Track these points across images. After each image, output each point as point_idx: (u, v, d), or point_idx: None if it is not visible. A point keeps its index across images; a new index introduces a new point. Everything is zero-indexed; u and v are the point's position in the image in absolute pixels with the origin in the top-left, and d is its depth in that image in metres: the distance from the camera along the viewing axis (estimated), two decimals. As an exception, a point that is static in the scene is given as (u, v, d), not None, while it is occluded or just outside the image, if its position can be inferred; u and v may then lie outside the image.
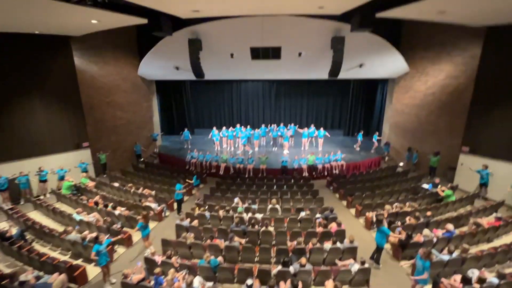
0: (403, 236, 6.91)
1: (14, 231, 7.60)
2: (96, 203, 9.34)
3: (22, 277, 5.48)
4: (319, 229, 7.42)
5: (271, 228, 7.58)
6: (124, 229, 8.12)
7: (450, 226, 7.24)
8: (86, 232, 7.43)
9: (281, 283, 5.50)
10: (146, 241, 7.34)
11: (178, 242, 7.07)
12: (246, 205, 9.09)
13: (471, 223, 7.67)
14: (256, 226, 7.56)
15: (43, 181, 10.81)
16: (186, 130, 16.60)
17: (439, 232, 7.25)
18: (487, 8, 7.50)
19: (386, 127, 15.92)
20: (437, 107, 12.20)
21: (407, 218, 8.03)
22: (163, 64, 14.16)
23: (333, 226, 7.51)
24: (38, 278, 5.75)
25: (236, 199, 9.35)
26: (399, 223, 7.77)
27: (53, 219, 9.16)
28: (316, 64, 13.06)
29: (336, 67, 11.01)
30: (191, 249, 7.00)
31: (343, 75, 11.99)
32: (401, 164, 13.83)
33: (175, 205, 10.07)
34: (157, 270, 5.47)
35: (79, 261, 6.88)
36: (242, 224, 7.68)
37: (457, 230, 7.42)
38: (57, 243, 7.57)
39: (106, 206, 9.16)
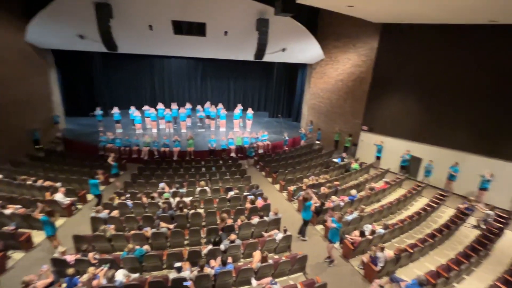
0: (318, 203, 7.97)
1: None
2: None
3: None
4: (248, 206, 7.82)
5: (200, 210, 7.57)
6: (20, 230, 6.73)
7: (353, 192, 8.74)
8: (-39, 240, 5.85)
9: (211, 261, 5.65)
10: (54, 241, 6.32)
11: (95, 236, 6.34)
12: (173, 189, 8.75)
13: (367, 188, 9.43)
14: (185, 210, 7.42)
15: None
16: (98, 109, 14.46)
17: (346, 198, 8.65)
18: (383, 7, 8.85)
19: (305, 109, 17.52)
20: (344, 92, 14.10)
21: (321, 188, 9.25)
22: (62, 30, 11.59)
23: (259, 202, 8.03)
24: None
25: (162, 184, 8.88)
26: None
27: None
28: (242, 45, 13.08)
29: (261, 49, 11.31)
30: (112, 242, 6.40)
31: (267, 58, 12.45)
32: (317, 142, 15.63)
33: (89, 197, 8.90)
34: (70, 270, 4.82)
35: (-48, 278, 5.43)
36: (169, 210, 7.40)
37: (358, 194, 9.00)
38: None
39: (-12, 205, 7.33)
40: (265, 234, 6.92)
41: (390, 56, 11.63)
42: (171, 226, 6.84)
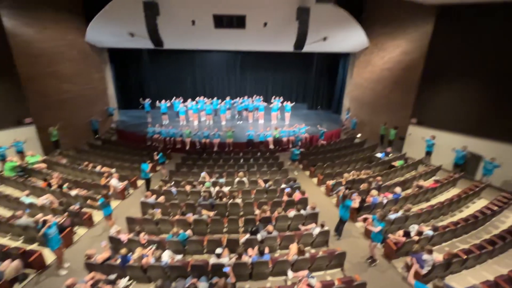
0: (358, 200, 7.63)
1: (-52, 219, 6.73)
2: (50, 184, 8.59)
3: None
4: (285, 198, 7.83)
5: (238, 200, 7.79)
6: (84, 210, 7.68)
7: (397, 189, 8.17)
8: (40, 215, 6.86)
9: (249, 250, 5.81)
10: (109, 221, 7.09)
11: (144, 219, 6.94)
12: (213, 179, 9.12)
13: (415, 186, 8.74)
14: (224, 199, 7.70)
15: (-21, 163, 9.54)
16: (146, 101, 15.58)
17: (390, 195, 8.13)
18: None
19: (346, 100, 16.70)
20: (391, 82, 13.05)
21: (362, 185, 8.82)
22: (115, 29, 12.67)
23: (297, 195, 7.97)
24: (-14, 266, 5.29)
25: (203, 174, 9.32)
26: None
27: (-3, 204, 8.27)
28: (282, 36, 12.84)
29: (301, 39, 10.97)
30: (158, 225, 6.95)
31: (307, 48, 12.04)
32: (359, 135, 14.87)
33: (139, 183, 9.75)
34: (123, 251, 5.37)
35: (34, 246, 6.43)
36: (209, 198, 7.75)
37: (403, 192, 8.40)
38: (5, 229, 6.92)
39: (60, 187, 8.49)
40: (302, 228, 6.87)
41: (447, 41, 10.37)
42: (211, 214, 7.17)
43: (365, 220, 6.53)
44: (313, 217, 7.15)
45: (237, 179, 9.10)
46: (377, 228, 5.79)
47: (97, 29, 12.62)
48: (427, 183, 9.12)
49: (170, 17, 10.96)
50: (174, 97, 15.78)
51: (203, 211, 7.00)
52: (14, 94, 10.52)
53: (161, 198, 7.93)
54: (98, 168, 9.96)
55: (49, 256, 6.05)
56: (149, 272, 5.37)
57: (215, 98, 16.03)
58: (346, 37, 13.52)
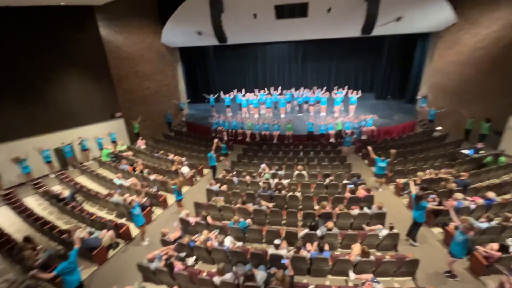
0: (437, 202, 6.66)
1: (66, 193, 8.54)
2: (134, 169, 10.05)
3: (77, 232, 6.25)
4: (347, 195, 7.38)
5: (297, 193, 7.69)
6: (160, 192, 8.74)
7: (491, 194, 6.81)
8: (127, 195, 8.12)
9: (308, 245, 5.70)
10: (180, 206, 7.89)
11: (209, 205, 7.50)
12: (272, 171, 9.22)
13: (516, 191, 7.14)
14: (283, 191, 7.71)
15: (84, 150, 11.77)
16: (211, 96, 16.67)
17: (479, 200, 6.85)
18: None
19: (424, 88, 14.59)
20: (487, 64, 10.76)
21: (442, 184, 7.63)
22: (185, 30, 13.81)
23: (361, 192, 7.42)
24: (90, 233, 6.53)
25: (263, 165, 9.49)
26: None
27: (97, 183, 10.10)
28: (347, 20, 11.90)
29: (370, 22, 9.99)
30: (221, 212, 7.41)
31: (377, 31, 10.89)
32: (439, 128, 12.87)
33: (205, 171, 10.56)
34: (186, 239, 5.92)
35: (123, 220, 7.65)
36: (269, 190, 7.87)
37: (499, 198, 6.96)
38: (103, 204, 8.43)
39: (141, 172, 9.84)
40: (366, 228, 6.38)
41: None
42: (270, 205, 7.27)
43: (456, 228, 5.51)
44: (379, 217, 6.56)
45: (296, 172, 8.99)
46: (458, 239, 4.92)
47: (170, 31, 13.95)
48: (535, 188, 7.34)
49: (233, 13, 11.31)
50: (236, 90, 16.38)
51: (262, 202, 7.16)
52: (108, 92, 12.55)
53: (224, 187, 8.42)
54: (170, 156, 11.17)
55: (134, 230, 7.10)
56: (213, 254, 5.80)
57: (276, 92, 16.02)
58: (426, 14, 11.69)
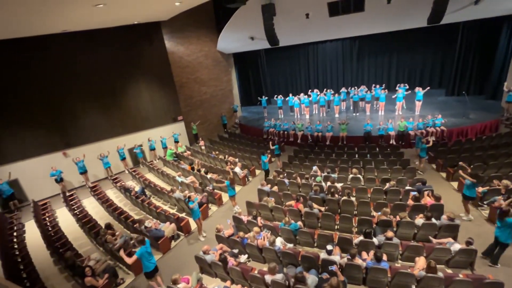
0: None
1: (137, 188, 9.76)
2: (193, 168, 10.91)
3: (146, 223, 7.09)
4: (410, 202, 6.71)
5: (352, 198, 7.30)
6: (215, 190, 9.30)
7: None
8: (186, 191, 8.86)
9: (363, 253, 5.37)
10: (233, 201, 8.28)
11: (261, 205, 7.67)
12: (325, 173, 8.94)
13: None
14: (336, 195, 7.42)
15: (152, 149, 13.28)
16: (263, 97, 16.98)
17: None
18: None
19: (511, 81, 12.28)
20: None
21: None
22: (238, 36, 14.43)
23: (427, 200, 6.66)
24: (158, 224, 7.34)
25: (315, 168, 9.28)
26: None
27: (162, 180, 11.28)
28: (411, 11, 10.80)
29: (439, 10, 8.87)
30: (273, 212, 7.51)
31: (447, 19, 9.60)
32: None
33: (257, 172, 10.83)
34: (241, 234, 6.16)
35: (183, 215, 8.38)
36: (321, 192, 7.66)
37: None
38: (166, 199, 9.37)
39: (199, 171, 10.61)
40: (434, 240, 5.69)
41: None
42: (322, 209, 7.08)
43: None
44: (450, 230, 5.77)
45: (351, 176, 8.54)
46: None
47: (225, 38, 14.75)
48: None
49: (285, 15, 11.36)
50: (288, 93, 16.38)
51: (314, 205, 7.01)
52: (171, 97, 13.92)
53: (275, 188, 8.52)
54: (225, 156, 11.77)
55: (193, 224, 7.72)
56: (264, 253, 5.93)
57: (329, 90, 15.46)
58: (514, -7, 9.85)
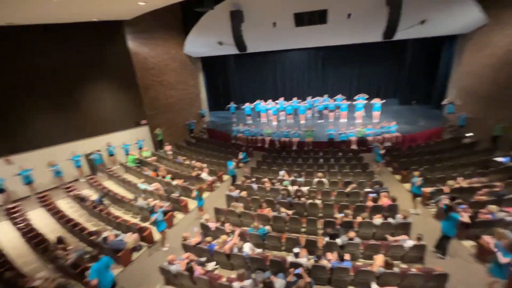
0: (468, 213, 6.26)
1: (94, 197, 9.03)
2: (157, 175, 10.43)
3: (104, 234, 6.57)
4: (369, 203, 7.16)
5: (317, 201, 7.57)
6: (181, 197, 8.98)
7: (530, 205, 6.29)
8: (150, 199, 8.42)
9: (328, 254, 5.57)
10: (200, 211, 8.05)
11: (229, 211, 7.58)
12: (292, 178, 9.16)
13: (560, 203, 6.54)
14: (302, 199, 7.63)
15: (111, 155, 12.42)
16: (232, 103, 16.97)
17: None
18: None
19: (452, 93, 13.90)
20: (523, 66, 10.09)
21: (475, 196, 7.18)
22: (207, 40, 14.30)
23: (384, 201, 7.16)
24: (116, 235, 6.84)
25: (282, 172, 9.47)
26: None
27: (123, 187, 10.59)
28: (368, 25, 11.72)
29: (391, 27, 9.76)
30: (241, 218, 7.46)
31: (399, 35, 10.61)
32: (469, 134, 12.14)
33: (225, 177, 10.71)
34: (208, 239, 6.02)
35: (146, 224, 7.93)
36: (288, 196, 7.82)
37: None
38: (128, 208, 8.80)
39: (164, 177, 10.18)
40: (390, 238, 6.12)
41: None
42: (290, 212, 7.22)
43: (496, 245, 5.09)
44: (404, 228, 6.28)
45: (316, 179, 8.86)
46: (504, 259, 4.50)
47: (192, 41, 14.51)
48: None
49: (253, 23, 11.57)
50: (256, 99, 16.55)
51: (281, 209, 7.12)
52: (135, 100, 13.23)
53: (243, 193, 8.48)
54: (192, 162, 11.46)
55: (156, 234, 7.33)
56: (232, 259, 5.84)
57: (295, 98, 16.00)
58: (452, 16, 11.22)
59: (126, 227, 7.30)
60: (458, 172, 9.02)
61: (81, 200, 8.92)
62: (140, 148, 13.28)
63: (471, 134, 12.10)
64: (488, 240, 5.50)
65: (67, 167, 11.00)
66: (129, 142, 12.94)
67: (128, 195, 9.74)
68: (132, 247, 6.75)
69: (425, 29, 11.86)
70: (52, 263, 6.36)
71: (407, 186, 9.04)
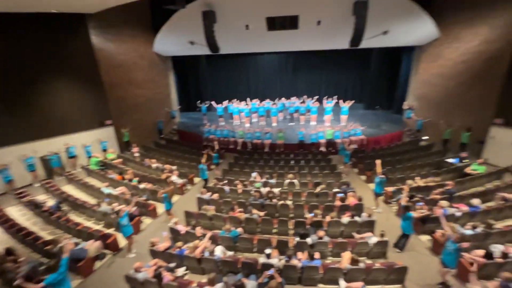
0: (424, 210, 6.82)
1: (51, 203, 8.29)
2: (123, 178, 9.87)
3: (62, 243, 6.04)
4: (337, 203, 7.46)
5: (289, 202, 7.72)
6: (149, 201, 8.59)
7: (475, 201, 7.04)
8: (115, 204, 7.93)
9: (299, 253, 5.69)
10: (169, 215, 7.77)
11: (200, 214, 7.42)
12: (264, 179, 9.24)
13: (499, 198, 7.39)
14: (274, 200, 7.73)
15: (72, 157, 11.51)
16: (203, 104, 16.72)
17: (464, 207, 7.06)
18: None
19: (410, 99, 15.08)
20: (469, 77, 11.28)
21: (434, 193, 7.83)
22: (177, 39, 13.94)
23: (351, 201, 7.51)
24: (76, 244, 6.33)
25: (254, 174, 9.51)
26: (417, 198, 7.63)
27: (85, 192, 9.86)
28: (336, 33, 12.31)
29: (358, 35, 10.32)
30: (212, 221, 7.34)
31: (365, 44, 11.27)
32: (425, 137, 13.27)
33: (196, 180, 10.48)
34: (179, 243, 5.84)
35: (111, 230, 7.45)
36: (260, 198, 7.86)
37: (483, 205, 7.17)
38: (90, 214, 8.21)
39: (130, 180, 9.67)
40: (357, 236, 6.44)
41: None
42: (261, 214, 7.26)
43: (443, 235, 5.63)
44: (369, 225, 6.65)
45: (287, 181, 9.03)
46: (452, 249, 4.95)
47: (163, 40, 14.04)
48: (516, 196, 7.61)
49: (225, 24, 11.51)
50: (228, 100, 16.44)
51: (253, 211, 7.14)
52: (99, 99, 12.41)
53: (215, 195, 8.37)
54: (154, 164, 11.04)
55: (122, 240, 6.93)
56: (203, 264, 5.72)
57: (267, 100, 16.20)
58: (410, 29, 12.23)
59: (87, 234, 6.80)
60: (416, 172, 9.79)
61: (35, 206, 8.13)
62: (105, 150, 12.49)
63: (426, 137, 13.24)
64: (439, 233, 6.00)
65: (18, 171, 9.97)
66: (91, 143, 12.10)
67: (90, 200, 9.09)
68: (95, 255, 6.30)
69: (387, 39, 12.76)
70: (0, 277, 5.70)
71: (372, 186, 9.58)
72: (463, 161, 9.97)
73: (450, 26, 11.78)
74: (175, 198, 9.21)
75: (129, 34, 13.40)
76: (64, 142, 11.33)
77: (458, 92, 11.82)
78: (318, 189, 8.28)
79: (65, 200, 8.69)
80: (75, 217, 8.17)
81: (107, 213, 7.52)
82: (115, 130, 13.23)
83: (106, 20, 11.96)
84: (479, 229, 6.04)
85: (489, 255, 5.36)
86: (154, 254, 6.01)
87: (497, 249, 5.46)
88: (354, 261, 5.17)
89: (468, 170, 9.13)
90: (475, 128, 10.90)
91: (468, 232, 5.99)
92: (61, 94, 11.29)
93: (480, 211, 6.86)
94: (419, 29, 12.27)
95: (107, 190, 8.86)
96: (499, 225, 6.62)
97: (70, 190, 9.98)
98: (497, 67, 9.99)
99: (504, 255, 5.29)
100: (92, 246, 6.32)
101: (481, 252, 5.46)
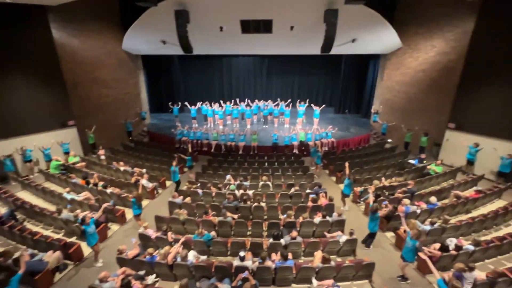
0: (389, 208, 7.25)
1: (3, 211, 7.51)
2: (88, 182, 9.25)
3: (16, 255, 5.50)
4: (310, 204, 7.66)
5: (262, 204, 7.77)
6: (117, 207, 8.14)
7: (433, 199, 7.63)
8: (78, 210, 7.41)
9: (273, 255, 5.75)
10: (138, 220, 7.41)
11: (172, 218, 7.18)
12: (238, 182, 9.21)
13: (452, 196, 8.10)
14: (248, 202, 7.73)
15: (28, 161, 10.55)
16: (175, 106, 16.28)
17: (423, 205, 7.63)
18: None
19: (376, 104, 16.02)
20: (427, 85, 12.30)
21: (393, 193, 8.36)
22: (148, 37, 13.44)
23: (323, 201, 7.76)
24: (32, 256, 5.79)
25: (228, 176, 9.44)
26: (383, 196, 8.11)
27: (43, 198, 9.07)
28: (309, 39, 12.72)
29: (328, 42, 10.75)
30: (185, 225, 7.15)
31: (335, 50, 11.77)
32: (390, 140, 14.16)
33: (167, 183, 10.14)
34: (150, 250, 5.61)
35: (73, 239, 6.94)
36: (234, 200, 7.82)
37: (440, 202, 7.82)
38: (49, 222, 7.56)
39: (96, 185, 9.10)
40: (328, 235, 6.67)
41: (491, 39, 9.56)
42: (235, 216, 7.22)
43: (405, 232, 6.05)
44: (339, 225, 6.92)
45: (261, 183, 9.10)
46: (409, 244, 5.34)
47: (132, 37, 13.45)
48: (468, 193, 8.42)
49: (199, 24, 11.34)
50: (201, 102, 16.17)
51: (227, 213, 7.08)
52: (60, 98, 11.54)
53: (188, 199, 8.17)
54: (130, 168, 10.53)
55: (86, 249, 6.47)
56: (175, 270, 5.53)
57: (242, 103, 16.22)
58: (376, 38, 13.03)
59: (46, 244, 6.25)
60: (381, 173, 10.40)
61: (-17, 215, 7.31)
62: (67, 153, 11.61)
63: (390, 140, 14.15)
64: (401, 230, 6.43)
65: (-37, 176, 8.93)
66: (51, 145, 11.18)
67: (49, 207, 8.38)
68: (54, 267, 5.82)
69: (356, 47, 13.48)
70: None
71: (342, 186, 9.99)
72: (423, 162, 10.80)
73: (411, 37, 12.75)
74: (145, 202, 8.82)
75: (96, 30, 12.66)
76: (20, 143, 10.36)
77: (418, 99, 12.82)
78: (291, 190, 8.45)
79: (20, 208, 7.92)
80: (32, 226, 7.48)
81: (70, 220, 6.99)
82: (78, 131, 12.38)
83: (70, 14, 11.20)
84: (437, 225, 6.57)
85: (445, 248, 5.84)
86: (122, 262, 5.69)
87: (451, 242, 5.98)
88: (325, 260, 5.34)
89: (430, 168, 9.91)
90: (433, 131, 11.88)
91: (427, 227, 6.48)
92: (18, 91, 10.32)
93: (437, 207, 7.46)
94: (384, 39, 13.11)
95: (69, 196, 8.24)
96: (453, 220, 7.26)
97: (26, 196, 9.13)
98: (451, 77, 11.00)
99: (458, 247, 5.80)
100: (51, 257, 5.82)
101: (438, 245, 5.94)
